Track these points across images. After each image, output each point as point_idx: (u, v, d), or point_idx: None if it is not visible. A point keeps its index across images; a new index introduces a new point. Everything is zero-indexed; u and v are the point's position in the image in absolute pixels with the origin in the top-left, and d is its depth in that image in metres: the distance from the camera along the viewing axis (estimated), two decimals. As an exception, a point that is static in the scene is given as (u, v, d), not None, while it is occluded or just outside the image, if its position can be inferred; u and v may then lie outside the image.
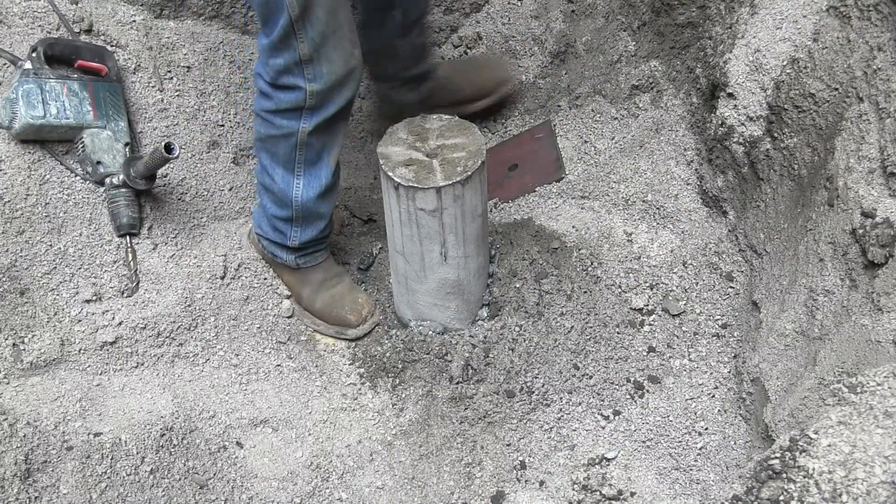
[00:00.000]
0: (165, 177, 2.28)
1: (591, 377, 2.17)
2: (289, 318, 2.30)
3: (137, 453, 1.90)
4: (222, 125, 2.47)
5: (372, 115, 2.78)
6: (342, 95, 1.93)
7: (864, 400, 1.28)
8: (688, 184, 2.46)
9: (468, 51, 2.90)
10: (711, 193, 2.38)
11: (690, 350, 2.20)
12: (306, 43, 1.81)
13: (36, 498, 1.73)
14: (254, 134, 2.09)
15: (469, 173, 1.94)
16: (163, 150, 1.99)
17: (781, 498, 1.17)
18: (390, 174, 1.95)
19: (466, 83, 2.67)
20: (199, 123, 2.41)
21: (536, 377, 2.14)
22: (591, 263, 2.32)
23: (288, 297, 2.31)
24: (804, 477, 1.18)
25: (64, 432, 1.86)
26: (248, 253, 2.31)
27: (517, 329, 2.17)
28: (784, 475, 1.20)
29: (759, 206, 2.19)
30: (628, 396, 2.15)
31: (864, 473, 1.15)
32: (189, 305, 2.16)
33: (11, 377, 1.91)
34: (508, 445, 2.08)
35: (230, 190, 2.42)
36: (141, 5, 2.41)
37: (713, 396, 2.12)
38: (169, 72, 2.40)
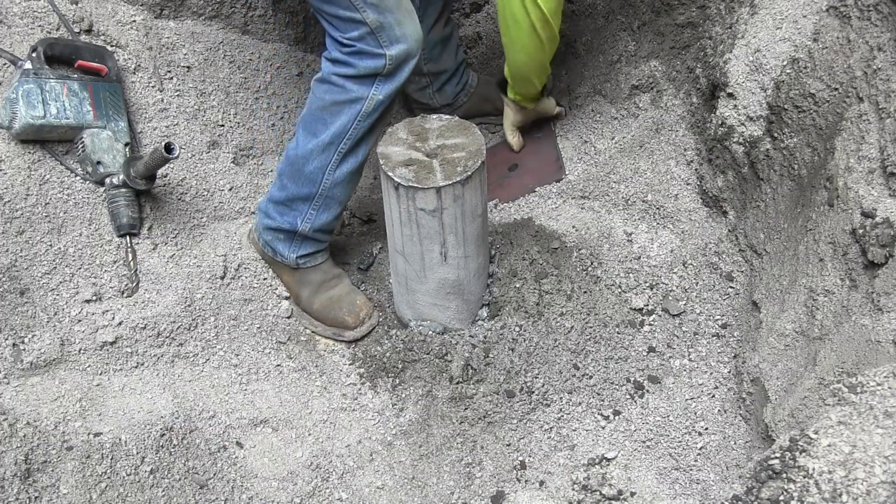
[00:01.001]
0: (165, 177, 2.28)
1: (591, 377, 2.17)
2: (288, 318, 2.30)
3: (137, 453, 1.90)
4: (222, 125, 2.46)
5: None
6: (411, 62, 1.99)
7: (864, 400, 1.28)
8: (688, 184, 2.46)
9: (468, 51, 2.90)
10: (711, 193, 2.38)
11: (690, 350, 2.21)
12: (370, 11, 1.88)
13: (36, 498, 1.73)
14: (308, 104, 2.11)
15: (469, 173, 1.94)
16: (163, 150, 1.99)
17: (781, 498, 1.17)
18: (390, 174, 1.95)
19: (498, 97, 2.68)
20: (199, 123, 2.41)
21: (536, 377, 2.14)
22: (591, 263, 2.32)
23: (287, 298, 2.31)
24: (804, 477, 1.18)
25: (64, 432, 1.86)
26: (248, 253, 2.31)
27: (517, 329, 2.17)
28: (784, 475, 1.20)
29: (759, 206, 2.19)
30: (628, 396, 2.15)
31: (864, 473, 1.15)
32: (189, 305, 2.16)
33: (11, 377, 1.91)
34: (508, 445, 2.08)
35: (230, 190, 2.42)
36: (141, 5, 2.41)
37: (713, 396, 2.12)
38: (169, 72, 2.40)
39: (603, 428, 2.11)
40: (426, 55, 2.58)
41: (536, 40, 2.19)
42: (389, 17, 1.90)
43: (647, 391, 2.15)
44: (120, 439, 1.90)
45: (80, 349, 2.01)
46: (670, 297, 2.28)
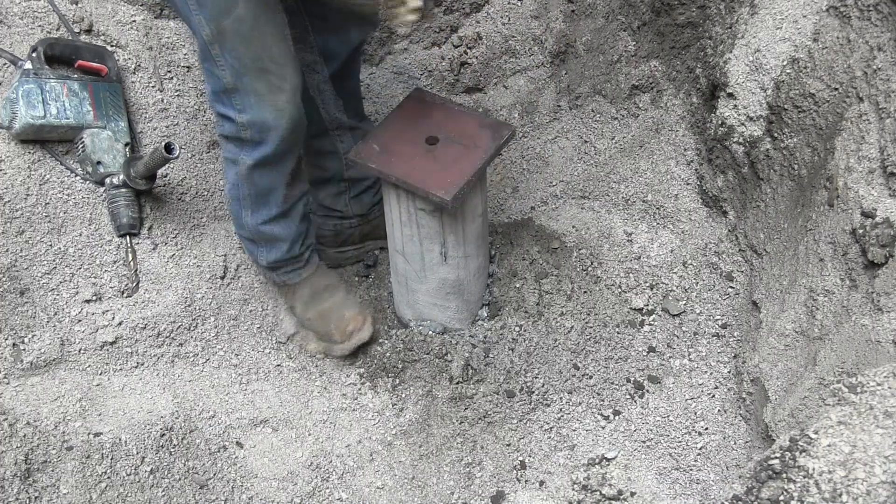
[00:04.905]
0: (165, 177, 2.27)
1: (591, 377, 2.17)
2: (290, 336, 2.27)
3: (137, 453, 1.90)
4: (222, 125, 2.46)
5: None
6: (280, 133, 1.84)
7: (864, 400, 1.28)
8: (688, 184, 2.46)
9: (468, 51, 2.90)
10: (711, 193, 2.38)
11: (690, 350, 2.21)
12: (227, 71, 1.74)
13: (36, 498, 1.73)
14: None
15: (469, 173, 1.93)
16: (163, 150, 1.99)
17: (781, 498, 1.17)
18: (390, 174, 1.95)
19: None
20: (199, 123, 2.40)
21: (536, 377, 2.14)
22: (591, 263, 2.32)
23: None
24: (804, 477, 1.18)
25: (64, 432, 1.86)
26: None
27: (517, 329, 2.17)
28: (784, 475, 1.20)
29: (759, 206, 2.19)
30: (628, 396, 2.15)
31: (864, 473, 1.15)
32: (189, 305, 2.16)
33: (11, 377, 1.91)
34: (508, 445, 2.08)
35: (230, 190, 2.42)
36: (141, 5, 2.40)
37: (713, 396, 2.12)
38: (169, 72, 2.40)
39: (603, 428, 2.11)
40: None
41: None
42: (245, 80, 1.74)
43: (647, 391, 2.15)
44: (120, 439, 1.90)
45: (80, 349, 2.01)
46: (670, 297, 2.28)
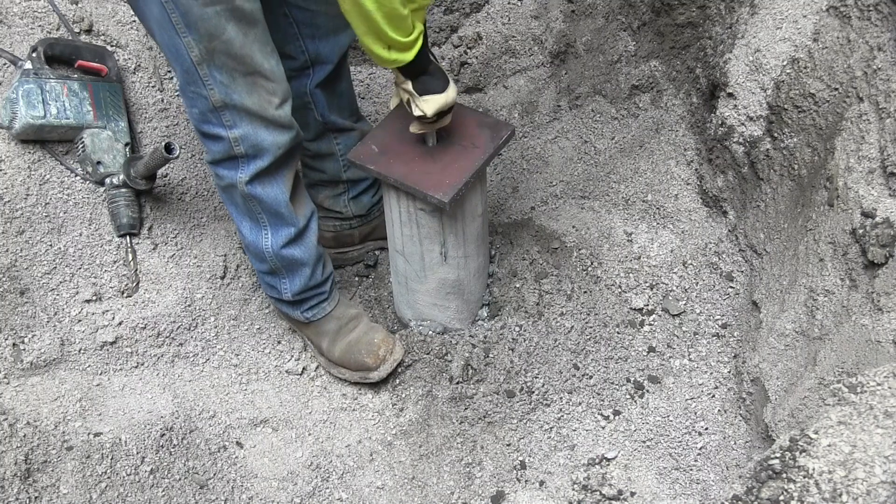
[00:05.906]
0: (165, 177, 2.28)
1: (591, 377, 2.17)
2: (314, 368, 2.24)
3: (137, 453, 1.90)
4: (222, 125, 2.46)
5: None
6: (274, 143, 1.81)
7: (864, 400, 1.28)
8: (688, 184, 2.47)
9: (468, 51, 2.90)
10: (711, 193, 2.38)
11: (690, 350, 2.21)
12: (216, 88, 1.70)
13: (36, 498, 1.73)
14: None
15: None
16: (163, 150, 1.99)
17: (781, 498, 1.17)
18: (390, 174, 1.95)
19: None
20: (199, 123, 2.41)
21: (536, 377, 2.14)
22: (591, 263, 2.32)
23: (303, 350, 2.25)
24: (804, 477, 1.18)
25: (64, 432, 1.86)
26: (248, 253, 2.31)
27: (517, 329, 2.17)
28: (784, 475, 1.20)
29: (759, 206, 2.19)
30: (628, 396, 2.15)
31: (864, 473, 1.15)
32: (189, 305, 2.16)
33: (11, 377, 1.91)
34: (508, 445, 2.08)
35: (230, 190, 2.42)
36: (141, 5, 2.41)
37: (713, 396, 2.12)
38: (169, 72, 2.40)
39: (603, 428, 2.11)
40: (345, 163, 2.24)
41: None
42: (234, 95, 1.71)
43: (647, 391, 2.15)
44: (120, 439, 1.90)
45: (80, 349, 2.01)
46: (670, 297, 2.28)
